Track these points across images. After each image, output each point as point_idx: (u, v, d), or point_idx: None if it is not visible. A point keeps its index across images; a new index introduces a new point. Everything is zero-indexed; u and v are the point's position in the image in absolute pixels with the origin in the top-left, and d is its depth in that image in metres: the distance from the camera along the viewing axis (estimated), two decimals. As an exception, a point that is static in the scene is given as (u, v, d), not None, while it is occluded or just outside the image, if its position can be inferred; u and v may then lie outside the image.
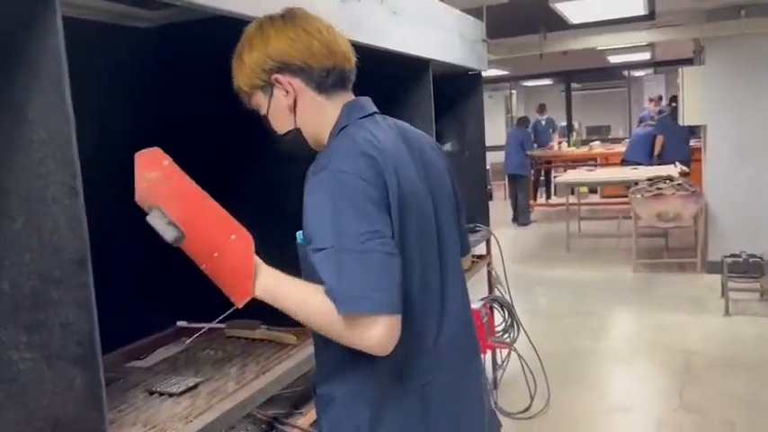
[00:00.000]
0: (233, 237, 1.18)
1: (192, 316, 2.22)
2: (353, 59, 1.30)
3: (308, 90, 1.26)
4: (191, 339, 2.00)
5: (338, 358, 1.22)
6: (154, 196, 1.18)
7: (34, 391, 1.18)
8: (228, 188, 2.20)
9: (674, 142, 8.45)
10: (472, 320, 1.40)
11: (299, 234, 1.23)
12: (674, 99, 8.65)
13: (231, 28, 1.33)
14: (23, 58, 1.10)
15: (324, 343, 1.22)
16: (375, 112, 1.31)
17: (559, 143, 11.32)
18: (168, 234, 1.17)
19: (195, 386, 1.61)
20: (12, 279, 1.17)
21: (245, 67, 1.25)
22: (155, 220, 1.17)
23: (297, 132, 1.29)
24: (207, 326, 2.03)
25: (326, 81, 1.26)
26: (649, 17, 5.89)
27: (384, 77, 2.76)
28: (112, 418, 1.44)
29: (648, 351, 4.51)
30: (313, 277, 1.16)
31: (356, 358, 1.18)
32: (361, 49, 1.36)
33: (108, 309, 1.21)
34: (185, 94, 2.10)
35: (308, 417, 1.79)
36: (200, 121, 2.10)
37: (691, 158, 8.38)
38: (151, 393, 1.60)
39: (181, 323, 2.21)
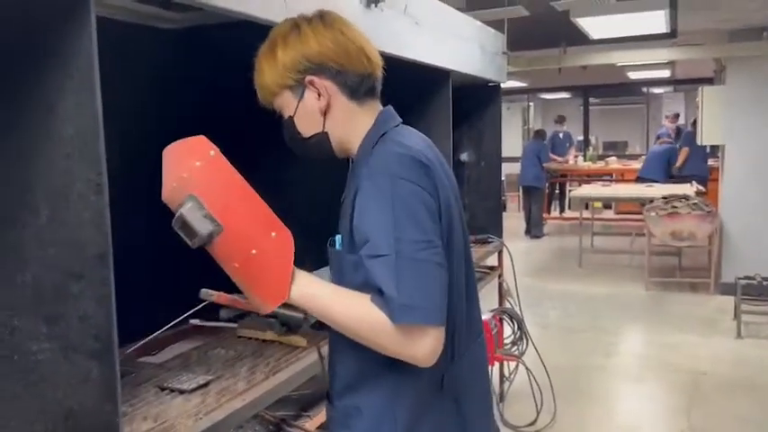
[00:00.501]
0: (273, 234, 1.12)
1: (205, 314, 2.24)
2: (382, 68, 1.29)
3: (341, 95, 1.23)
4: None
5: (368, 368, 1.19)
6: (193, 186, 1.09)
7: (51, 381, 1.20)
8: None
9: (696, 158, 8.48)
10: (482, 334, 1.41)
11: (338, 239, 1.23)
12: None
13: (255, 32, 1.36)
14: (57, 57, 1.13)
15: (351, 351, 1.20)
16: (401, 122, 1.31)
17: (575, 157, 11.28)
18: (204, 227, 1.08)
19: (206, 384, 1.62)
20: (35, 272, 1.20)
21: (278, 65, 1.21)
22: (191, 212, 1.08)
23: (323, 137, 1.26)
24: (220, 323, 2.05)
25: (360, 88, 1.24)
26: (671, 35, 5.88)
27: (404, 87, 2.77)
28: (124, 412, 1.45)
29: (658, 370, 4.48)
30: (347, 284, 1.16)
31: (391, 368, 1.17)
32: (381, 57, 1.37)
33: (123, 303, 1.23)
34: (208, 96, 2.13)
35: (315, 420, 1.81)
36: (223, 124, 2.13)
37: (709, 176, 8.37)
38: (162, 389, 1.62)
39: (194, 321, 2.23)
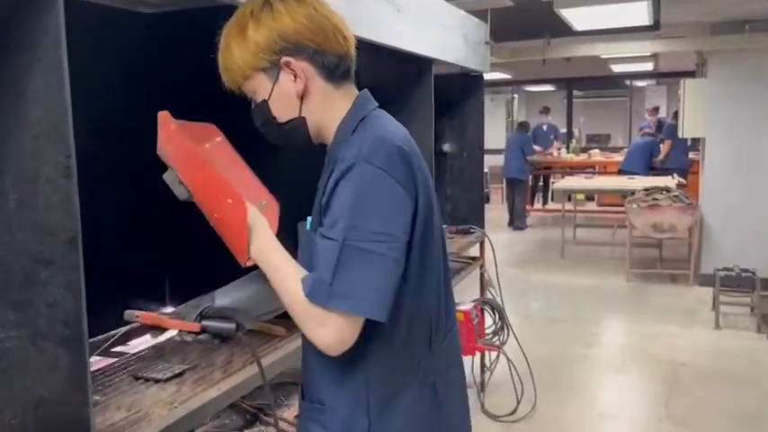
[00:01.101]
0: (229, 201, 1.20)
1: (180, 303, 2.22)
2: (356, 48, 1.23)
3: (318, 77, 1.17)
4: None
5: (338, 360, 1.14)
6: (166, 157, 1.26)
7: (19, 369, 1.17)
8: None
9: (677, 150, 8.61)
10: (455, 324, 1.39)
11: (309, 220, 1.22)
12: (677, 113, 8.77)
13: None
14: (25, 37, 1.10)
15: (313, 349, 1.15)
16: (378, 106, 1.26)
17: (558, 150, 11.33)
18: (178, 192, 1.26)
19: (181, 373, 1.60)
20: (2, 257, 1.16)
21: (249, 46, 1.14)
22: (168, 177, 1.26)
23: (300, 122, 1.19)
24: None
25: (337, 69, 1.18)
26: (654, 27, 5.90)
27: (385, 75, 2.76)
28: (96, 401, 1.44)
29: (638, 360, 4.53)
30: (309, 263, 1.13)
31: (362, 359, 1.15)
32: (362, 44, 1.34)
33: (97, 293, 1.21)
34: (186, 81, 2.09)
35: (293, 409, 1.80)
36: (199, 110, 2.10)
37: (690, 168, 8.47)
38: (137, 378, 1.59)
39: (168, 309, 2.20)
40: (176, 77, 2.10)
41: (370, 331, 1.13)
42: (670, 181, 7.38)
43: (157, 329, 1.61)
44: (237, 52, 1.16)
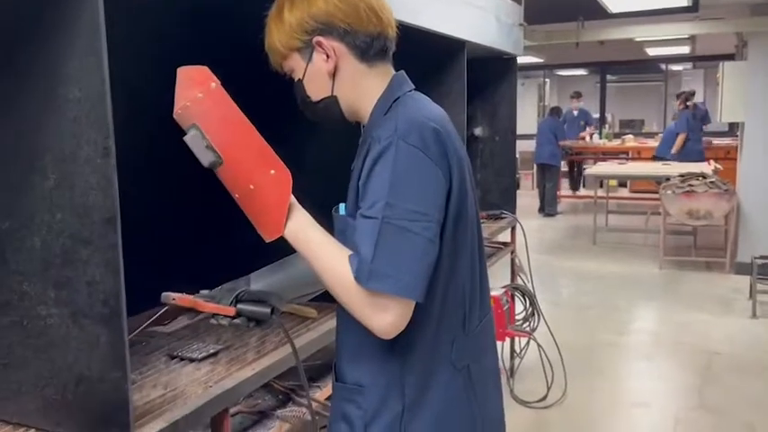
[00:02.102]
0: (272, 172, 1.13)
1: (214, 285, 2.25)
2: (395, 29, 1.23)
3: (351, 56, 1.19)
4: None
5: (373, 342, 1.14)
6: (195, 116, 1.12)
7: (60, 346, 1.20)
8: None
9: (694, 141, 8.49)
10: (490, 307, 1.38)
11: (341, 206, 1.22)
12: (686, 98, 8.67)
13: (259, 4, 1.32)
14: (63, 19, 1.11)
15: (355, 325, 1.15)
16: (414, 88, 1.26)
17: (591, 135, 11.14)
18: (205, 158, 1.12)
19: (216, 353, 1.63)
20: (42, 236, 1.19)
21: (285, 27, 1.18)
22: (193, 140, 1.11)
23: (332, 101, 1.21)
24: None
25: (370, 49, 1.19)
26: (692, 9, 5.74)
27: (417, 57, 2.73)
28: (134, 379, 1.46)
29: (670, 349, 4.46)
30: (349, 247, 1.13)
31: (396, 341, 1.13)
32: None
33: (133, 272, 1.22)
34: (218, 61, 2.10)
35: (324, 391, 1.81)
36: (232, 89, 2.11)
37: (704, 160, 8.28)
38: (172, 357, 1.62)
39: (204, 292, 2.23)
40: (207, 57, 2.10)
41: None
42: (706, 167, 7.21)
43: (193, 312, 1.63)
44: (276, 33, 1.20)
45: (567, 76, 15.87)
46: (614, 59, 11.82)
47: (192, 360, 1.59)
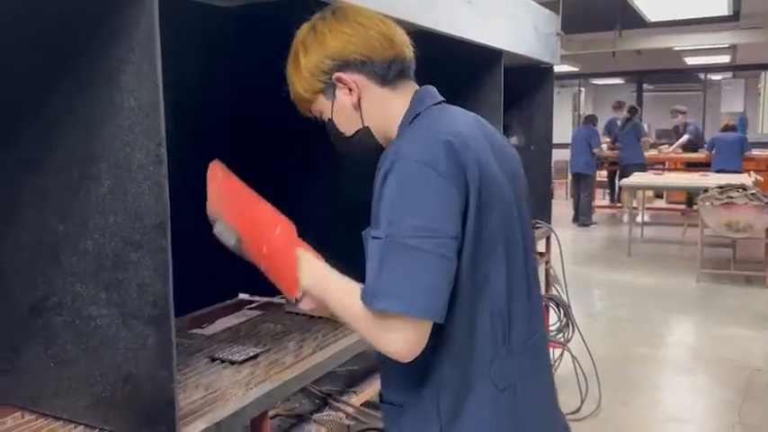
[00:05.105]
0: (278, 230, 1.20)
1: (253, 289, 2.29)
2: (411, 47, 1.24)
3: (372, 84, 1.20)
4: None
5: (404, 365, 1.11)
6: (216, 205, 1.27)
7: (110, 346, 1.25)
8: (298, 173, 2.25)
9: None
10: (542, 322, 1.33)
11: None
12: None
13: (312, 10, 1.35)
14: (119, 29, 1.15)
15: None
16: (443, 101, 1.25)
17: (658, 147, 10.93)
18: (228, 239, 1.23)
19: (255, 356, 1.66)
20: (95, 239, 1.24)
21: (303, 72, 1.20)
22: (218, 228, 1.25)
23: (365, 132, 1.22)
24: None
25: (389, 73, 1.20)
26: (733, 18, 5.65)
27: (454, 66, 2.75)
28: (177, 380, 1.50)
29: (707, 363, 4.37)
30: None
31: (433, 361, 1.13)
32: (432, 36, 1.33)
33: (175, 276, 1.25)
34: (260, 75, 2.14)
35: (361, 396, 1.83)
36: (273, 101, 2.15)
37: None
38: (213, 360, 1.66)
39: (243, 295, 2.28)
40: (249, 71, 2.15)
41: (433, 329, 1.10)
42: (746, 178, 7.06)
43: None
44: (297, 82, 1.22)
45: (603, 85, 15.69)
46: (651, 68, 11.65)
47: (232, 362, 1.62)
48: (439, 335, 1.11)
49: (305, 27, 1.22)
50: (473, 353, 1.14)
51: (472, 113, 1.29)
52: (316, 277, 1.18)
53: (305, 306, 1.22)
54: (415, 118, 1.19)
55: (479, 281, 1.13)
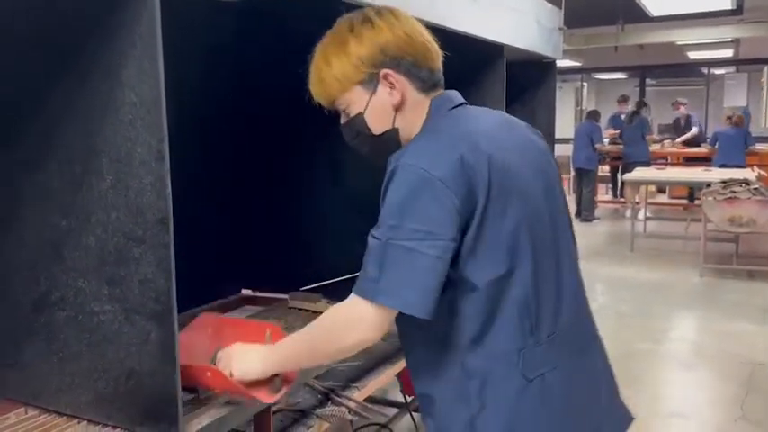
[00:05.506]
0: (208, 374, 1.30)
1: (256, 284, 2.29)
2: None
3: (412, 89, 1.22)
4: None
5: (430, 358, 1.20)
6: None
7: (112, 342, 1.25)
8: (301, 167, 2.25)
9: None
10: (585, 306, 1.34)
11: None
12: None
13: (316, 5, 1.34)
14: (120, 24, 1.15)
15: (411, 346, 1.24)
16: (464, 103, 1.27)
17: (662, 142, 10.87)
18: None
19: (258, 352, 1.65)
20: (98, 235, 1.24)
21: (351, 59, 1.19)
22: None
23: (393, 133, 1.23)
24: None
25: (430, 81, 1.23)
26: (736, 12, 5.64)
27: (455, 61, 2.74)
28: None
29: (711, 358, 4.36)
30: None
31: (454, 352, 1.16)
32: (435, 30, 1.33)
33: (178, 271, 1.25)
34: (262, 71, 2.14)
35: (363, 391, 1.83)
36: (274, 98, 2.15)
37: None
38: (216, 355, 1.66)
39: (246, 291, 2.28)
40: (260, 67, 2.15)
41: (458, 321, 1.15)
42: (749, 173, 7.05)
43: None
44: (338, 66, 1.20)
45: (605, 79, 15.65)
46: (654, 63, 11.62)
47: (234, 358, 1.62)
48: (462, 329, 1.15)
49: (356, 16, 1.22)
50: (498, 345, 1.17)
51: (497, 112, 1.31)
52: (270, 361, 1.28)
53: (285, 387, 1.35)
54: (430, 123, 1.22)
55: (502, 275, 1.15)
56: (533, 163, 1.23)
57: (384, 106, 1.22)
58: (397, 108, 1.22)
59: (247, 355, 1.29)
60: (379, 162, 1.22)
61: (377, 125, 1.23)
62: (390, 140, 1.24)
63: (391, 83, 1.20)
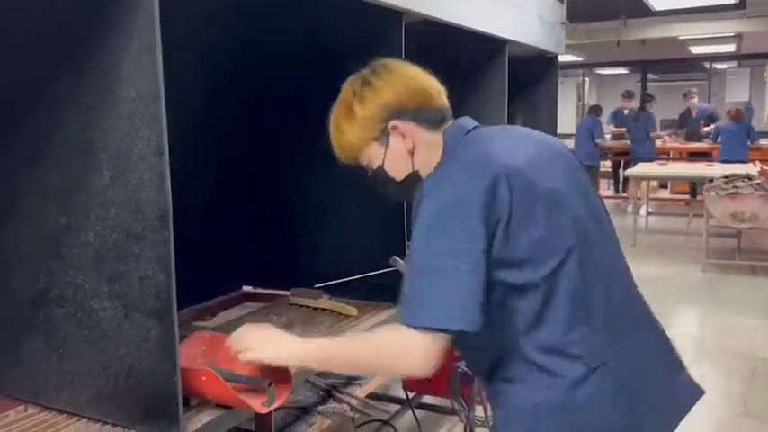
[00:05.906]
0: (204, 378, 1.30)
1: (257, 281, 2.28)
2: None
3: (422, 130, 1.29)
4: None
5: (492, 355, 1.24)
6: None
7: (112, 338, 1.24)
8: (296, 166, 2.24)
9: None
10: (633, 286, 1.40)
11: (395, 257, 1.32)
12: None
13: (309, 4, 1.33)
14: (118, 19, 1.14)
15: (469, 346, 1.28)
16: (476, 127, 1.33)
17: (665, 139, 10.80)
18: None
19: (259, 349, 1.64)
20: (97, 231, 1.23)
21: (359, 121, 1.28)
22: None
23: (415, 175, 1.30)
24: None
25: (437, 119, 1.30)
26: (739, 6, 5.61)
27: (459, 56, 2.73)
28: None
29: (713, 354, 4.35)
30: None
31: (514, 344, 1.19)
32: (438, 25, 1.34)
33: (178, 268, 1.25)
34: (263, 68, 2.12)
35: (365, 388, 1.82)
36: (276, 96, 2.13)
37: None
38: (217, 352, 1.65)
39: (246, 288, 2.27)
40: (261, 63, 2.13)
41: (512, 317, 1.19)
42: (752, 168, 7.02)
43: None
44: (350, 131, 1.30)
45: (607, 74, 15.60)
46: (656, 58, 11.58)
47: (236, 354, 1.61)
48: (516, 323, 1.19)
49: (355, 80, 1.31)
50: (553, 336, 1.20)
51: (510, 126, 1.33)
52: (295, 353, 1.28)
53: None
54: (447, 152, 1.28)
55: (550, 273, 1.18)
56: (553, 163, 1.27)
57: (400, 154, 1.30)
58: (412, 152, 1.30)
59: (278, 337, 1.30)
60: (410, 200, 1.29)
61: (397, 172, 1.32)
62: (413, 182, 1.30)
63: (401, 132, 1.28)
